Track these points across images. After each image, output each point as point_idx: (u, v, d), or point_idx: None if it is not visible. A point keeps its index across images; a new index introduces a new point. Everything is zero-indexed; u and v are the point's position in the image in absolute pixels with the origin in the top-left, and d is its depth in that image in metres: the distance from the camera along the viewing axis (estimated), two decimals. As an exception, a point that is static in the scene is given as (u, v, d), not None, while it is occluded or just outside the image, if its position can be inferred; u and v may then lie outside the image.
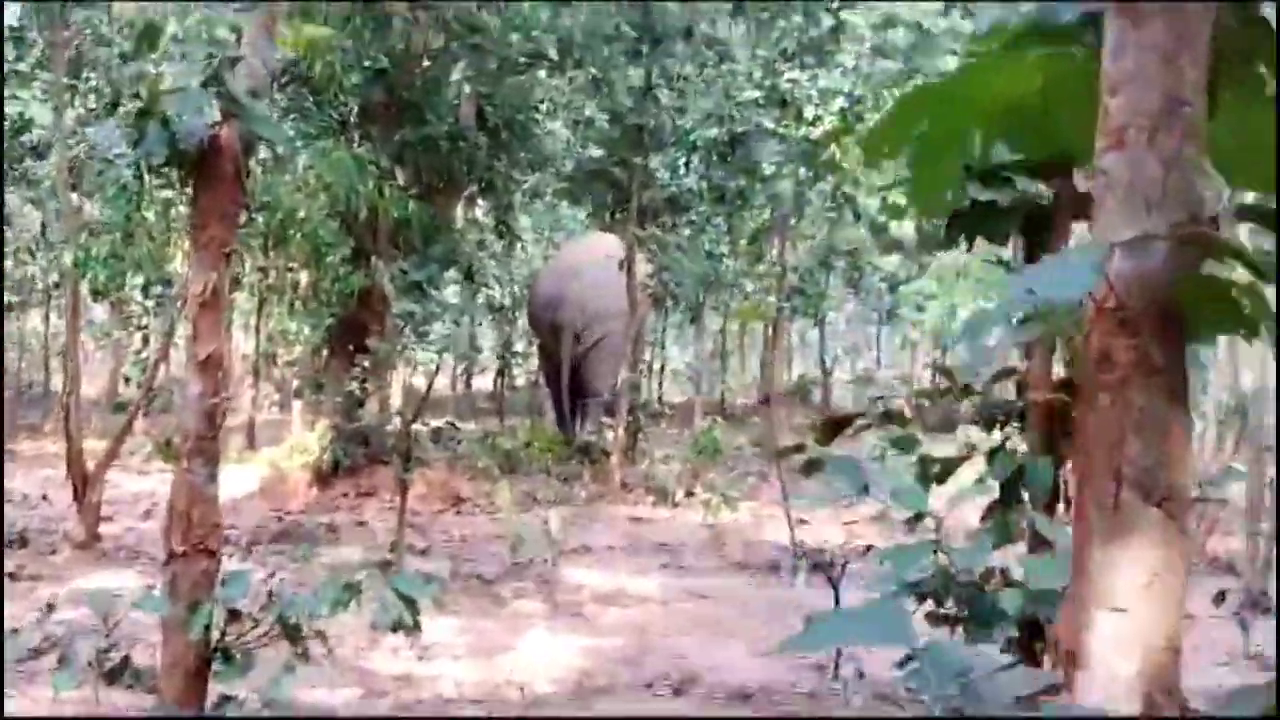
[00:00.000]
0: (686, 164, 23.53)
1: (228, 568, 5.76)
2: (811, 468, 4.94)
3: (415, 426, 17.30)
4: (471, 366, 20.17)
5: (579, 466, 19.56)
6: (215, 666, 5.12)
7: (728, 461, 19.96)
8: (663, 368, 35.09)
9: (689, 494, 17.57)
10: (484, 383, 38.92)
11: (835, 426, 5.12)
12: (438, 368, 13.96)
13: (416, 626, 5.46)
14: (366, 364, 16.47)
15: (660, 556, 13.47)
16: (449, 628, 9.59)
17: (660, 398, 31.55)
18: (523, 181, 22.02)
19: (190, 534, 5.33)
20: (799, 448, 5.00)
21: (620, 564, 12.90)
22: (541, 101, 20.54)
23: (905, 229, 29.19)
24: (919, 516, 4.49)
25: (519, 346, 26.88)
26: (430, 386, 11.48)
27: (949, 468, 4.98)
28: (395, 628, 5.42)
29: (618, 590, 11.36)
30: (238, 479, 18.12)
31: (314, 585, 6.29)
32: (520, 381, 31.41)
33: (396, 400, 20.37)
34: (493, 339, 25.79)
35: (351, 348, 16.73)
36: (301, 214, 12.03)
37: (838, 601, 8.42)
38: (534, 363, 28.77)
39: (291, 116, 13.03)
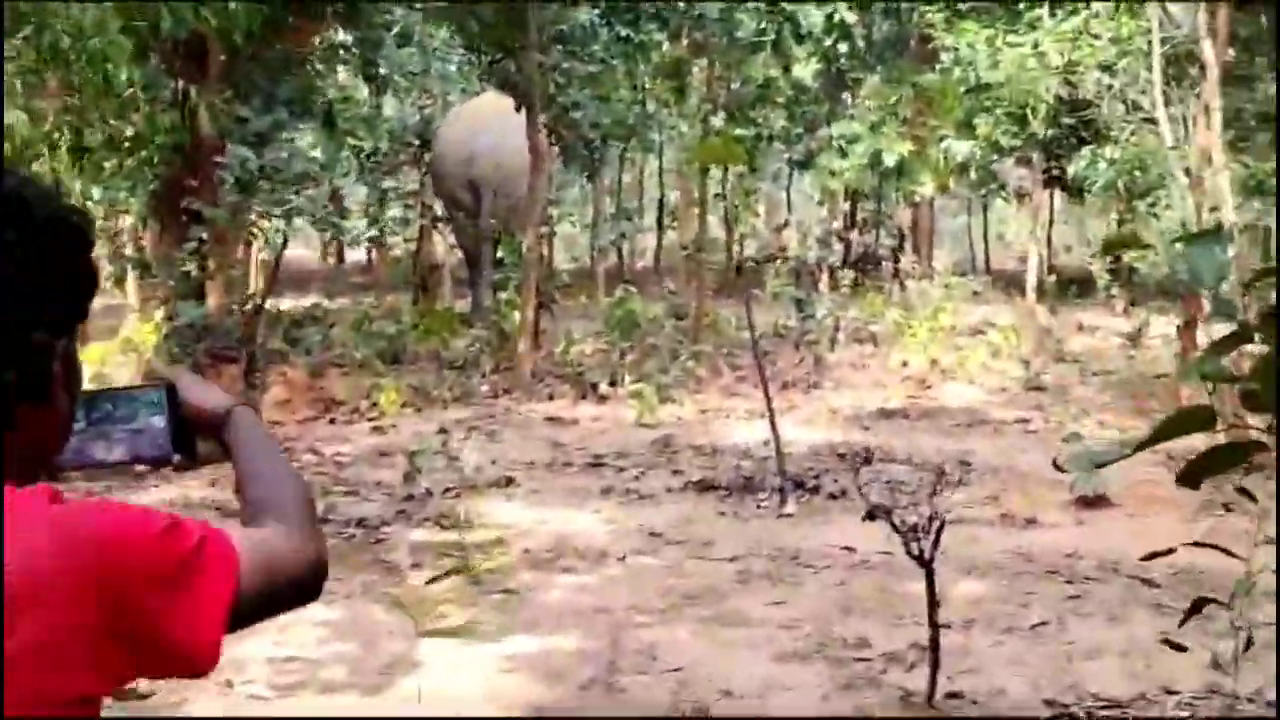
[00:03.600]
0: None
1: None
2: None
3: (270, 311, 13.96)
4: (339, 236, 16.74)
5: (478, 352, 16.29)
6: None
7: (649, 339, 16.82)
8: (552, 234, 31.78)
9: (613, 383, 14.44)
10: (357, 254, 35.20)
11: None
12: (285, 240, 10.55)
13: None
14: (204, 236, 12.94)
15: (598, 476, 10.32)
16: (316, 623, 6.40)
17: (551, 264, 28.33)
18: (386, 12, 18.38)
19: None
20: None
21: (549, 491, 9.76)
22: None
23: (809, 69, 26.11)
24: None
25: (395, 210, 23.26)
26: (278, 263, 8.17)
27: None
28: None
29: (556, 540, 8.22)
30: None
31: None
32: (398, 252, 27.84)
33: (257, 281, 16.93)
34: (364, 198, 22.39)
35: (185, 217, 13.18)
36: (85, 25, 8.36)
37: (932, 590, 5.34)
38: (413, 230, 25.25)
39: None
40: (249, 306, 9.38)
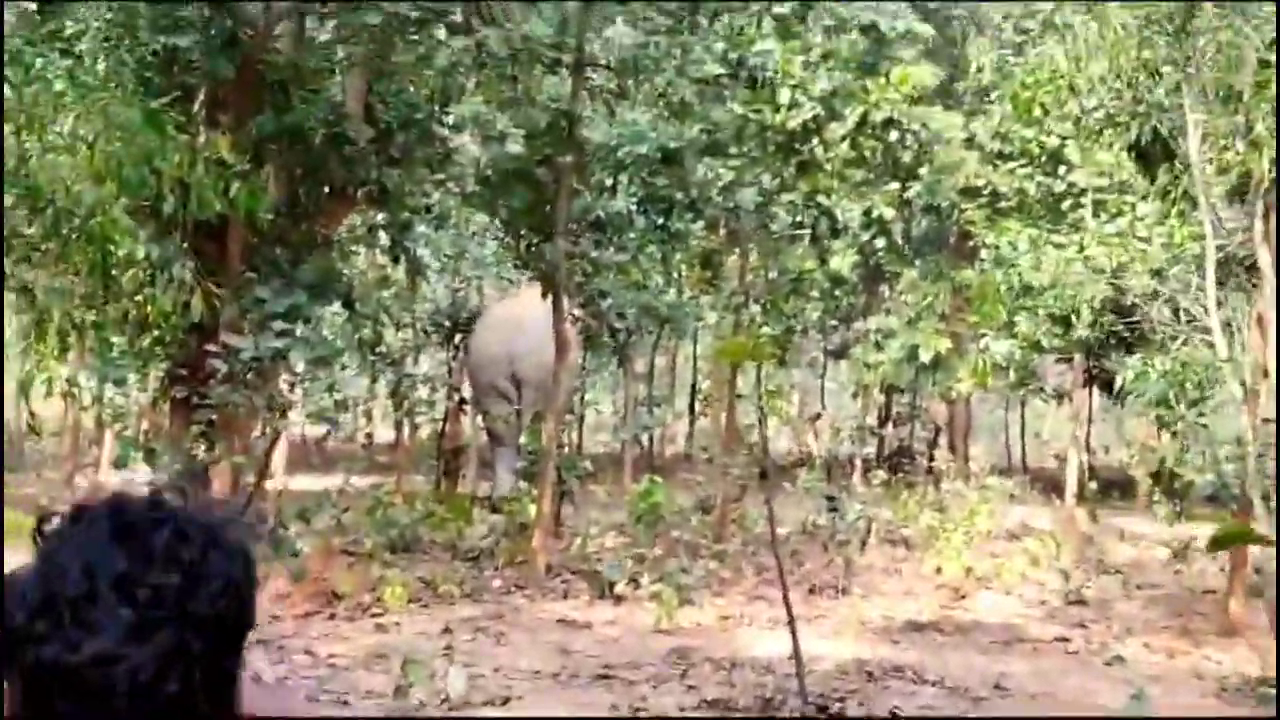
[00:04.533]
0: (614, 186, 20.14)
1: None
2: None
3: (277, 491, 13.51)
4: (334, 430, 16.54)
5: (493, 543, 15.71)
6: None
7: (673, 532, 16.16)
8: (582, 417, 31.46)
9: (633, 582, 13.76)
10: (388, 432, 34.75)
11: None
12: (276, 434, 10.07)
13: None
14: (213, 419, 12.53)
15: (606, 691, 9.63)
16: None
17: (580, 449, 27.84)
18: (423, 195, 18.28)
19: None
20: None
21: (550, 708, 9.07)
22: (447, 105, 16.85)
23: (846, 261, 25.93)
24: None
25: (423, 392, 22.91)
26: (270, 452, 7.69)
27: None
28: None
29: (551, 774, 7.54)
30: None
31: None
32: (425, 433, 27.43)
33: (279, 464, 16.53)
34: (368, 388, 22.27)
35: (192, 399, 12.79)
36: (86, 203, 8.04)
37: None
38: (439, 410, 24.87)
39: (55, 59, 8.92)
40: (249, 494, 8.80)
